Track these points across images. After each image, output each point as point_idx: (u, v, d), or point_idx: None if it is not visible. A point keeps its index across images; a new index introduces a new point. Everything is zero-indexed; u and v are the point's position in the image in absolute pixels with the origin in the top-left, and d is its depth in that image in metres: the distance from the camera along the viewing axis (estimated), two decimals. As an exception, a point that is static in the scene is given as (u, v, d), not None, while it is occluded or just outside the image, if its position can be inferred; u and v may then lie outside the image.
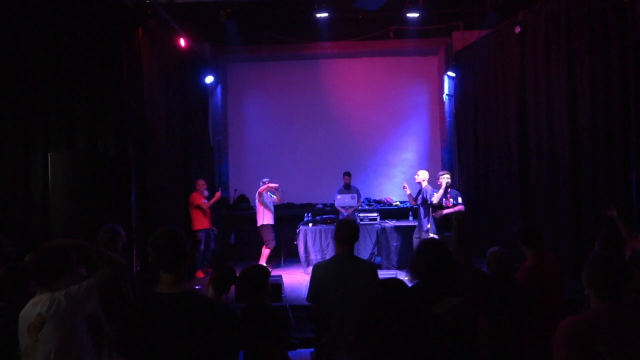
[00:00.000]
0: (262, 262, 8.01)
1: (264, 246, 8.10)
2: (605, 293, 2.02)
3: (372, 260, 8.12)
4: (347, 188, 8.66)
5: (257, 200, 8.09)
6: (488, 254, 3.62)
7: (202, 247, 7.93)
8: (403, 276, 7.33)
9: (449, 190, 7.03)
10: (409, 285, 1.95)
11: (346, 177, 8.69)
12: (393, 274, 6.46)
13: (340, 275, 3.14)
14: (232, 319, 2.65)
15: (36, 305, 2.50)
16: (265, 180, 8.15)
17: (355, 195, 8.50)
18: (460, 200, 6.90)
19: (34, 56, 5.97)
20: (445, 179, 6.99)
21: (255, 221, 8.19)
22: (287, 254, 8.53)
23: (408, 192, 7.38)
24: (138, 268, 5.92)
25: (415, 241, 7.21)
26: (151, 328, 2.02)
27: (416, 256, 2.75)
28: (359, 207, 8.66)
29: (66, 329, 2.48)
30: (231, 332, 2.35)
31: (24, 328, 2.49)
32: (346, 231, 3.22)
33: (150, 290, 2.15)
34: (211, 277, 3.19)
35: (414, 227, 7.54)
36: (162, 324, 2.02)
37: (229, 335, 2.25)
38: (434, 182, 7.18)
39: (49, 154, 5.47)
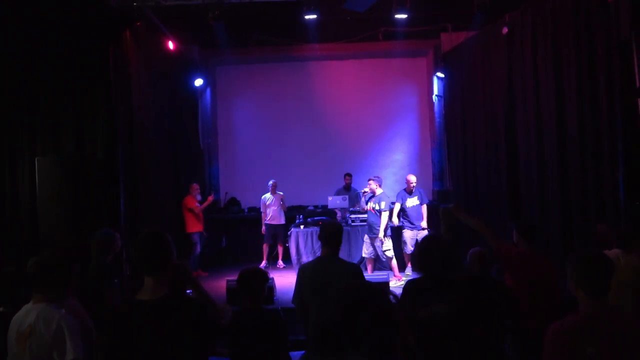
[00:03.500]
0: (280, 260, 8.56)
1: (280, 244, 8.54)
2: (594, 290, 2.01)
3: (363, 261, 8.12)
4: (347, 189, 8.70)
5: (282, 203, 8.47)
6: (469, 255, 3.61)
7: (198, 249, 8.03)
8: (392, 276, 7.34)
9: (374, 196, 7.12)
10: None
11: (347, 178, 8.77)
12: (385, 275, 6.48)
13: (321, 277, 3.14)
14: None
15: (29, 314, 2.40)
16: (273, 181, 8.53)
17: (347, 197, 8.50)
18: (383, 205, 6.97)
19: (20, 58, 5.90)
20: (370, 184, 7.16)
21: (271, 221, 8.51)
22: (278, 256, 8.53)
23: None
24: (127, 272, 5.87)
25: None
26: (132, 338, 2.00)
27: (417, 249, 2.89)
28: (352, 209, 8.66)
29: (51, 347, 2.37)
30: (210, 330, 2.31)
31: (13, 335, 2.40)
32: (327, 232, 3.30)
33: (132, 297, 2.11)
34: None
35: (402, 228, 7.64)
36: (143, 334, 1.99)
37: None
38: (425, 185, 7.23)
39: (36, 159, 5.41)
